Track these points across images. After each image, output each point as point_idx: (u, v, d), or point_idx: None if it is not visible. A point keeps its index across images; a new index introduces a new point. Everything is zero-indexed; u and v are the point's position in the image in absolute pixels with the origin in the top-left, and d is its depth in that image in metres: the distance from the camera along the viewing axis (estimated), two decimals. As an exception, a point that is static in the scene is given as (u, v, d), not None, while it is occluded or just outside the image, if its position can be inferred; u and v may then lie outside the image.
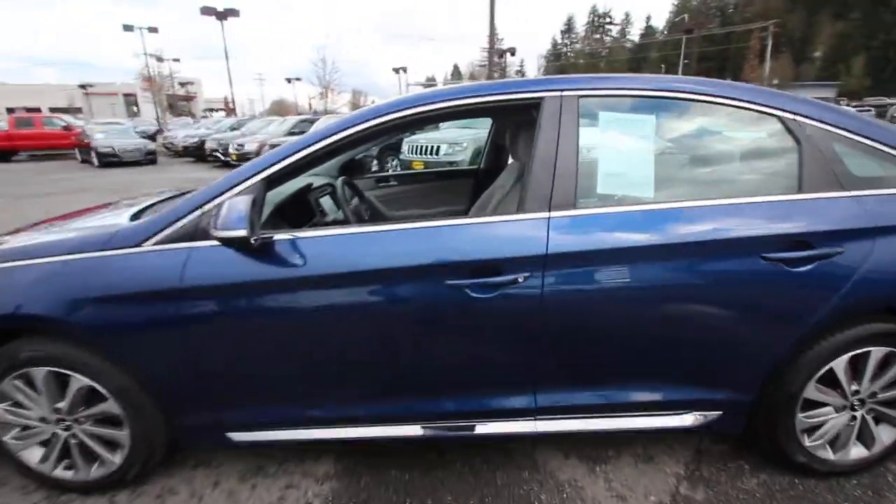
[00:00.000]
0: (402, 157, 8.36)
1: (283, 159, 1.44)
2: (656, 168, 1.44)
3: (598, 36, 73.21)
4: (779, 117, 1.48)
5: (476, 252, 1.37)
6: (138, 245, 1.41)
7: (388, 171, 8.86)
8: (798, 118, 1.47)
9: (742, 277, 1.40)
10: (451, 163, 7.47)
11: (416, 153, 7.96)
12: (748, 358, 1.48)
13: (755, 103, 1.48)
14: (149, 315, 1.40)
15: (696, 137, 1.55)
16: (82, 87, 49.96)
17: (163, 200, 1.90)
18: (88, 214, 2.00)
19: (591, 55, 69.81)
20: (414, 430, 1.51)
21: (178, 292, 1.37)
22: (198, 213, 1.41)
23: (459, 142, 7.60)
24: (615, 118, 1.46)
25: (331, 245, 1.41)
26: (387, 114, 1.47)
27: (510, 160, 3.21)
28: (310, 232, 1.43)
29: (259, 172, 1.42)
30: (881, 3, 41.45)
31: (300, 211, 2.00)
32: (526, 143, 1.72)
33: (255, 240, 1.31)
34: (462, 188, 3.10)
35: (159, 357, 1.44)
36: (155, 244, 1.41)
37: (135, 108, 53.51)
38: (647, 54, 60.53)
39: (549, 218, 1.38)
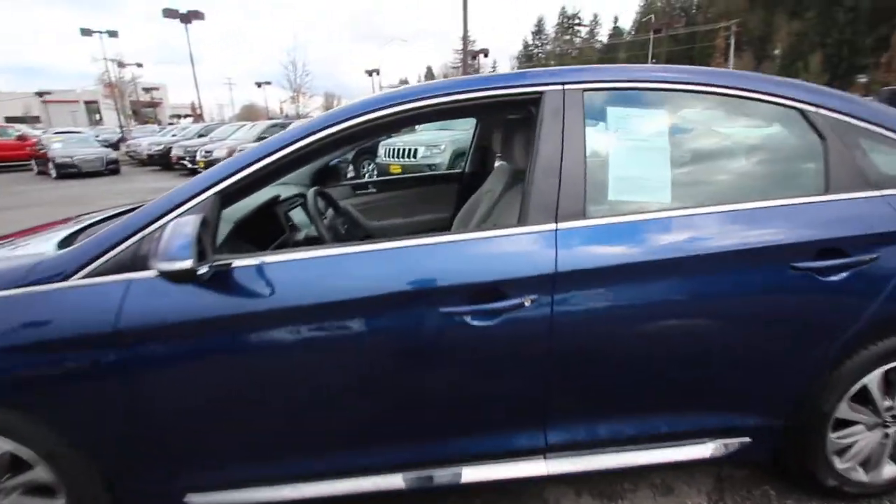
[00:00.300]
0: (378, 160, 8.13)
1: (241, 169, 1.21)
2: (672, 169, 1.28)
3: (567, 37, 74.22)
4: (800, 110, 1.33)
5: (475, 273, 1.17)
6: (65, 279, 1.16)
7: (364, 175, 8.60)
8: (821, 111, 1.33)
9: (772, 290, 1.25)
10: (429, 165, 7.29)
11: (392, 156, 7.75)
12: (780, 378, 1.33)
13: (774, 95, 1.33)
14: (80, 364, 1.15)
15: (712, 134, 1.39)
16: (39, 94, 47.64)
17: (103, 220, 1.64)
18: (38, 233, 1.72)
19: (561, 56, 70.76)
20: (405, 480, 1.30)
21: (115, 336, 1.12)
22: (137, 237, 1.17)
23: (437, 144, 7.43)
24: (624, 114, 1.28)
25: (302, 270, 1.19)
26: (361, 114, 1.26)
27: (497, 163, 3.04)
28: (276, 256, 1.21)
29: (211, 186, 1.19)
30: (834, 3, 43.37)
31: (267, 227, 1.76)
32: (521, 144, 1.54)
33: (206, 270, 1.08)
34: (446, 193, 2.90)
35: (96, 414, 1.19)
36: (85, 277, 1.16)
37: (97, 116, 51.48)
38: (616, 54, 61.69)
39: (556, 230, 1.20)
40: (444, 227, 2.77)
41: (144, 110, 46.47)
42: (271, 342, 1.17)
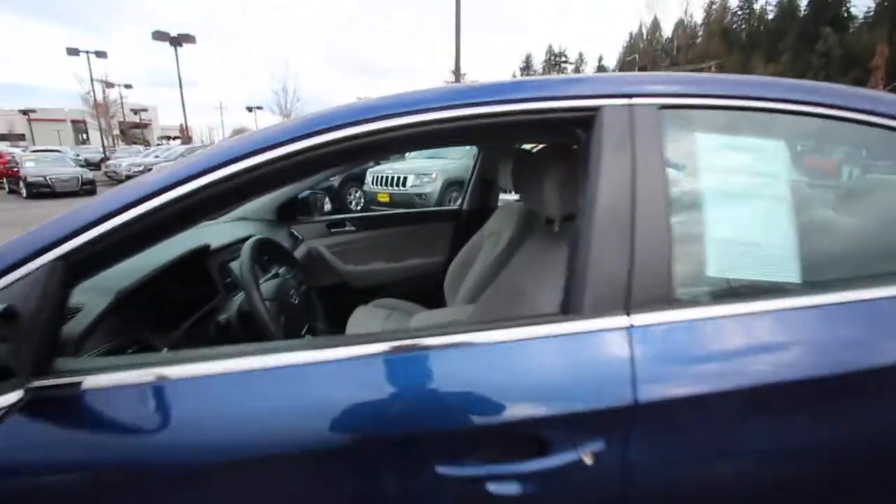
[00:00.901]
0: (366, 188, 7.73)
1: (107, 219, 0.71)
2: (798, 230, 0.83)
3: (555, 73, 76.44)
4: None
5: (492, 404, 0.69)
6: None
7: (351, 203, 8.17)
8: None
9: None
10: (419, 195, 6.91)
11: (380, 184, 7.37)
12: None
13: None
14: None
15: (852, 180, 0.96)
16: (24, 112, 46.97)
17: None
18: None
19: (550, 90, 72.19)
20: None
21: None
22: None
23: (428, 172, 7.07)
24: (724, 145, 0.85)
25: (200, 395, 0.70)
26: (309, 136, 0.74)
27: (501, 196, 2.61)
28: (157, 367, 0.70)
29: (45, 250, 0.69)
30: (807, 49, 45.48)
31: (193, 289, 1.26)
32: (554, 185, 1.09)
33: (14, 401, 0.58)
34: (440, 233, 2.45)
35: None
36: None
37: (84, 136, 50.96)
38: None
39: (629, 328, 0.73)
40: (438, 273, 2.30)
41: (133, 131, 46.00)
42: None
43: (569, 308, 0.76)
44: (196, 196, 0.71)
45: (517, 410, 0.68)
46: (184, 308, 1.16)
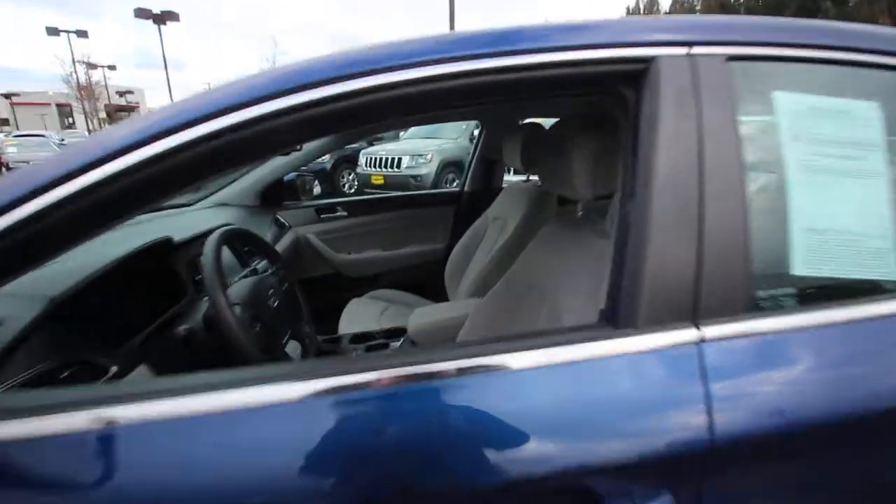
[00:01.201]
0: (359, 170, 7.48)
1: (17, 205, 0.53)
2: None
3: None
4: None
5: (522, 454, 0.53)
6: None
7: (344, 186, 7.93)
8: None
9: None
10: (414, 177, 6.69)
11: (373, 166, 7.12)
12: None
13: None
14: None
15: None
16: (6, 96, 45.72)
17: None
18: None
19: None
20: None
21: None
22: None
23: (423, 153, 6.82)
24: (814, 109, 0.67)
25: (144, 451, 0.53)
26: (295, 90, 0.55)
27: (506, 177, 2.42)
28: (91, 409, 0.52)
29: None
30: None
31: (157, 290, 1.08)
32: (585, 161, 0.90)
33: None
34: (440, 218, 2.27)
35: None
36: None
37: (69, 120, 49.84)
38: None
39: (699, 343, 0.57)
40: (438, 261, 2.14)
41: (120, 114, 45.01)
42: None
43: (617, 318, 0.59)
44: (132, 175, 0.53)
45: (557, 458, 0.52)
46: (140, 316, 0.98)
